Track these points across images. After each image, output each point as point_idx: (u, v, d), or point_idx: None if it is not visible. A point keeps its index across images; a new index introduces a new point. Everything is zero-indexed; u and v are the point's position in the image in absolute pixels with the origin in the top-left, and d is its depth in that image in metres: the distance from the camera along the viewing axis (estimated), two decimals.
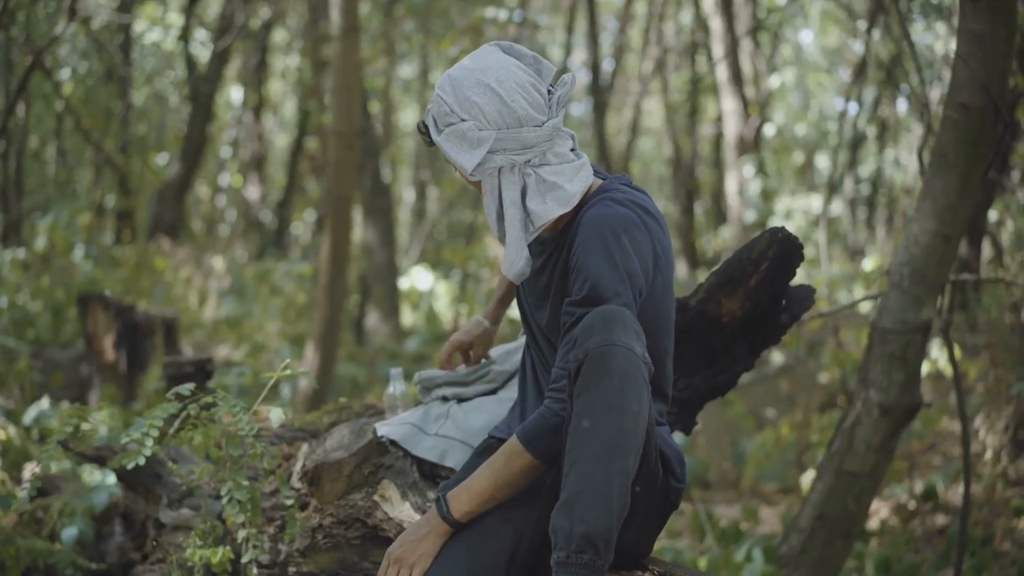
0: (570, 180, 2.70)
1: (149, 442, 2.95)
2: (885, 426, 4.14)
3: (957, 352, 4.59)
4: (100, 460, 3.72)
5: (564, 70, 16.56)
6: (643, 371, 2.43)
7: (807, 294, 3.32)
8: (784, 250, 3.21)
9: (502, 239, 2.73)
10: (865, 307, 10.35)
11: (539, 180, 2.69)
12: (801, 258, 3.23)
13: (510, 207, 2.68)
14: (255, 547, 3.06)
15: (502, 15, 12.24)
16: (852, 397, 4.27)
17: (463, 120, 2.64)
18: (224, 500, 3.03)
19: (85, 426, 3.54)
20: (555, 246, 2.77)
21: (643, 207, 2.69)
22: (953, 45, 4.07)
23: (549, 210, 2.67)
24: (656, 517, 2.70)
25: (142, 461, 2.95)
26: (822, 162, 19.43)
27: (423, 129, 2.74)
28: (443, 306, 13.45)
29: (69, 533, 3.93)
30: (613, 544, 2.39)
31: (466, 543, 2.62)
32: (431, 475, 3.08)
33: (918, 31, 10.78)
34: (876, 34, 11.13)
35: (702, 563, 5.18)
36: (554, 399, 2.56)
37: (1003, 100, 3.95)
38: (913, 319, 4.08)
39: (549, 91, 2.73)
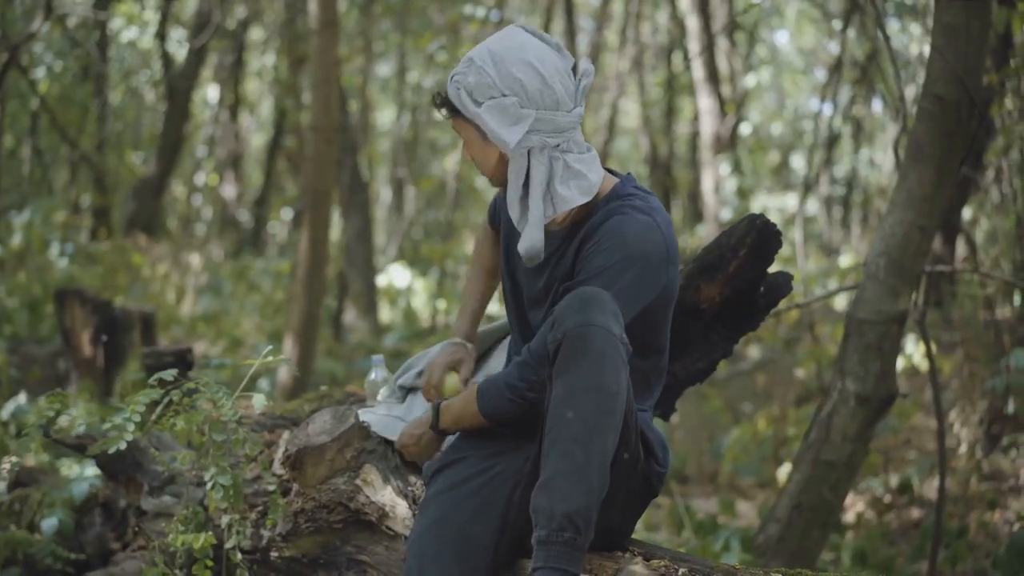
0: (591, 170, 2.72)
1: (130, 427, 2.95)
2: (861, 416, 4.17)
3: (932, 346, 4.63)
4: (81, 448, 3.72)
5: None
6: (621, 351, 2.45)
7: (784, 281, 3.35)
8: (762, 237, 3.25)
9: (520, 219, 2.72)
10: (840, 303, 10.42)
11: (566, 166, 2.70)
12: (779, 244, 3.26)
13: (537, 187, 2.68)
14: (238, 533, 3.07)
15: (480, 12, 12.24)
16: (828, 388, 4.30)
17: (504, 95, 2.63)
18: (208, 485, 3.04)
19: (65, 416, 3.54)
20: (560, 244, 2.78)
21: (660, 213, 2.72)
22: (927, 45, 4.11)
23: (573, 197, 2.69)
24: (638, 500, 2.72)
25: (123, 445, 2.95)
26: (797, 161, 19.52)
27: (439, 101, 2.72)
28: (421, 303, 13.45)
29: (49, 524, 3.92)
30: (593, 523, 2.41)
31: (453, 527, 2.63)
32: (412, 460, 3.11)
33: (893, 31, 10.86)
34: (851, 33, 11.19)
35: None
36: (518, 376, 2.68)
37: (978, 93, 3.99)
38: (889, 309, 4.11)
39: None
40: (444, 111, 2.73)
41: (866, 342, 4.15)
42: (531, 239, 2.68)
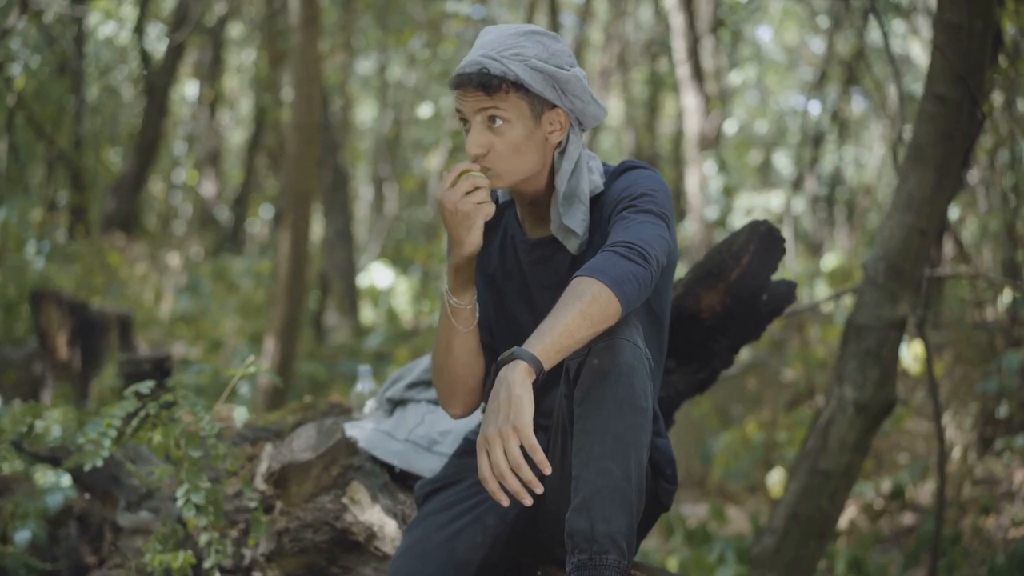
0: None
1: (107, 442, 2.84)
2: (860, 424, 4.09)
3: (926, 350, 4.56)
4: (54, 461, 3.59)
5: None
6: (646, 366, 2.33)
7: (788, 288, 3.23)
8: (765, 243, 3.13)
9: (569, 203, 2.55)
10: (828, 304, 10.36)
11: (589, 156, 2.62)
12: (783, 251, 3.15)
13: (585, 172, 2.56)
14: (218, 551, 2.95)
15: (463, 8, 12.15)
16: (827, 395, 4.22)
17: (572, 68, 2.53)
18: (181, 503, 2.91)
19: (39, 425, 3.42)
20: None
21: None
22: (915, 44, 4.05)
23: (598, 183, 2.59)
24: (644, 520, 2.60)
25: (99, 463, 2.84)
26: (780, 160, 19.49)
27: (480, 75, 2.45)
28: (403, 303, 13.35)
29: (22, 535, 3.79)
30: (635, 543, 2.29)
31: (435, 548, 2.53)
32: (402, 476, 2.99)
33: (878, 29, 10.81)
34: (839, 32, 11.14)
35: (671, 562, 5.13)
36: (625, 254, 2.32)
37: (980, 93, 3.91)
38: (888, 315, 4.03)
39: None
40: (477, 88, 2.47)
41: (865, 348, 4.07)
42: (587, 226, 2.56)
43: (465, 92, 2.48)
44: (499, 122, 2.47)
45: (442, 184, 2.44)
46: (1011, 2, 5.61)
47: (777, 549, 4.18)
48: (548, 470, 2.18)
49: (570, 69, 2.51)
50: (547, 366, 2.21)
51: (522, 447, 2.16)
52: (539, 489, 2.17)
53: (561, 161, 2.55)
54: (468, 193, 2.42)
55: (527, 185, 2.57)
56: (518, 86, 2.46)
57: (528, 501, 2.18)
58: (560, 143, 2.55)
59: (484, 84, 2.45)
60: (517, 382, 2.18)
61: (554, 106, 2.52)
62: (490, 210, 2.44)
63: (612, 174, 2.61)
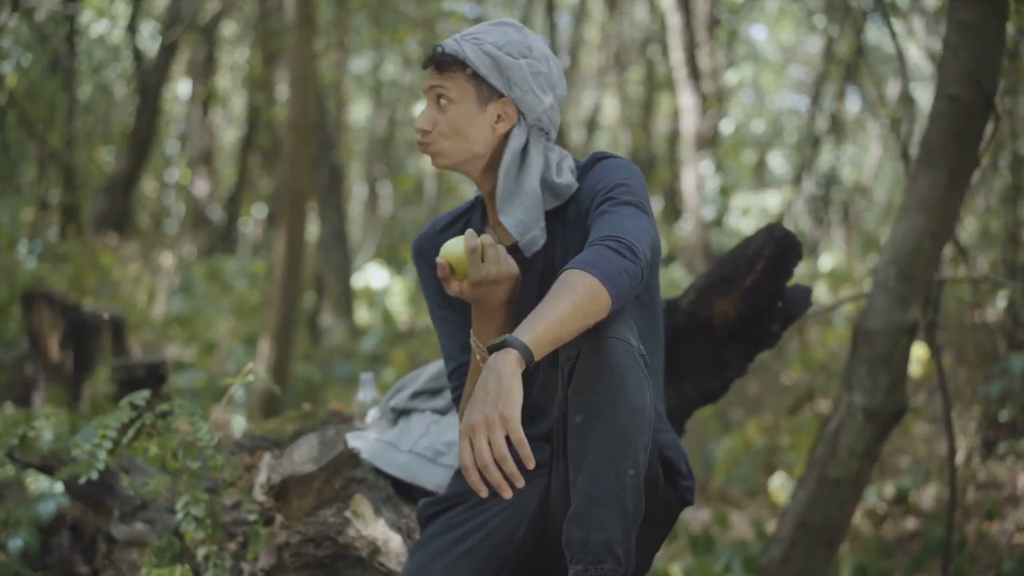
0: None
1: (102, 454, 2.75)
2: (869, 431, 4.02)
3: (928, 352, 4.49)
4: (47, 470, 3.51)
5: None
6: (641, 364, 2.26)
7: (804, 295, 3.15)
8: (781, 248, 3.05)
9: (511, 200, 2.53)
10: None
11: (561, 157, 2.59)
12: (799, 256, 3.07)
13: (535, 171, 2.54)
14: (216, 565, 2.86)
15: (459, 7, 12.10)
16: (835, 401, 4.15)
17: (538, 62, 2.54)
18: (180, 515, 2.83)
19: (30, 433, 3.34)
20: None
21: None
22: (911, 44, 3.98)
23: (571, 183, 2.56)
24: (658, 528, 2.53)
25: (94, 475, 2.74)
26: (775, 159, 19.44)
27: (439, 51, 2.53)
28: (398, 304, 13.28)
29: (14, 544, 3.72)
30: (633, 549, 2.20)
31: (444, 564, 2.45)
32: (406, 490, 2.90)
33: (872, 29, 10.79)
34: (837, 32, 11.10)
35: (675, 569, 5.05)
36: (615, 248, 2.28)
37: (994, 94, 3.84)
38: (899, 320, 3.96)
39: None
40: (433, 66, 2.55)
41: (875, 353, 4.00)
42: (527, 223, 2.52)
43: (427, 71, 2.57)
44: (443, 101, 2.53)
45: (478, 269, 2.40)
46: (1012, 1, 5.56)
47: (785, 559, 4.11)
48: (532, 464, 2.12)
49: (519, 58, 2.52)
50: (538, 356, 2.16)
51: (508, 439, 2.11)
52: (520, 483, 2.11)
53: (505, 154, 2.55)
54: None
55: (480, 175, 2.59)
56: (467, 68, 2.51)
57: (508, 495, 2.12)
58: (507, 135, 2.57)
59: (437, 62, 2.54)
60: (508, 371, 2.12)
61: (502, 96, 2.53)
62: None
63: (583, 168, 2.60)
